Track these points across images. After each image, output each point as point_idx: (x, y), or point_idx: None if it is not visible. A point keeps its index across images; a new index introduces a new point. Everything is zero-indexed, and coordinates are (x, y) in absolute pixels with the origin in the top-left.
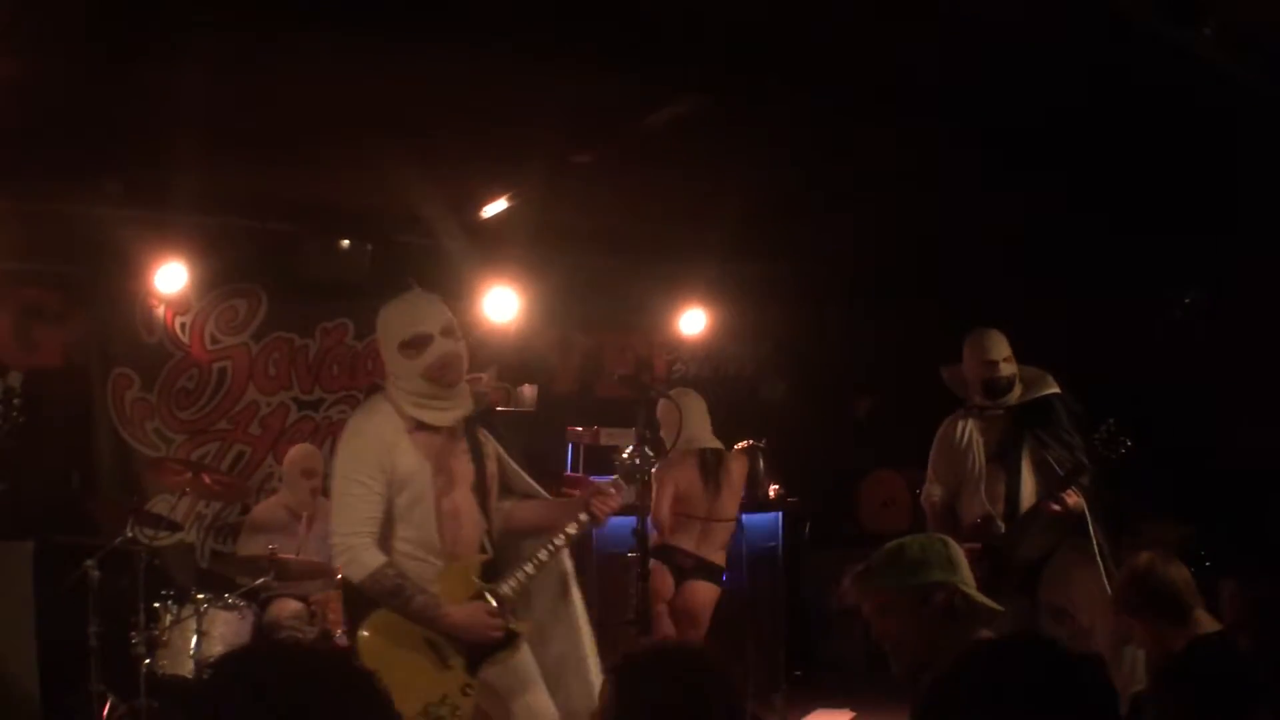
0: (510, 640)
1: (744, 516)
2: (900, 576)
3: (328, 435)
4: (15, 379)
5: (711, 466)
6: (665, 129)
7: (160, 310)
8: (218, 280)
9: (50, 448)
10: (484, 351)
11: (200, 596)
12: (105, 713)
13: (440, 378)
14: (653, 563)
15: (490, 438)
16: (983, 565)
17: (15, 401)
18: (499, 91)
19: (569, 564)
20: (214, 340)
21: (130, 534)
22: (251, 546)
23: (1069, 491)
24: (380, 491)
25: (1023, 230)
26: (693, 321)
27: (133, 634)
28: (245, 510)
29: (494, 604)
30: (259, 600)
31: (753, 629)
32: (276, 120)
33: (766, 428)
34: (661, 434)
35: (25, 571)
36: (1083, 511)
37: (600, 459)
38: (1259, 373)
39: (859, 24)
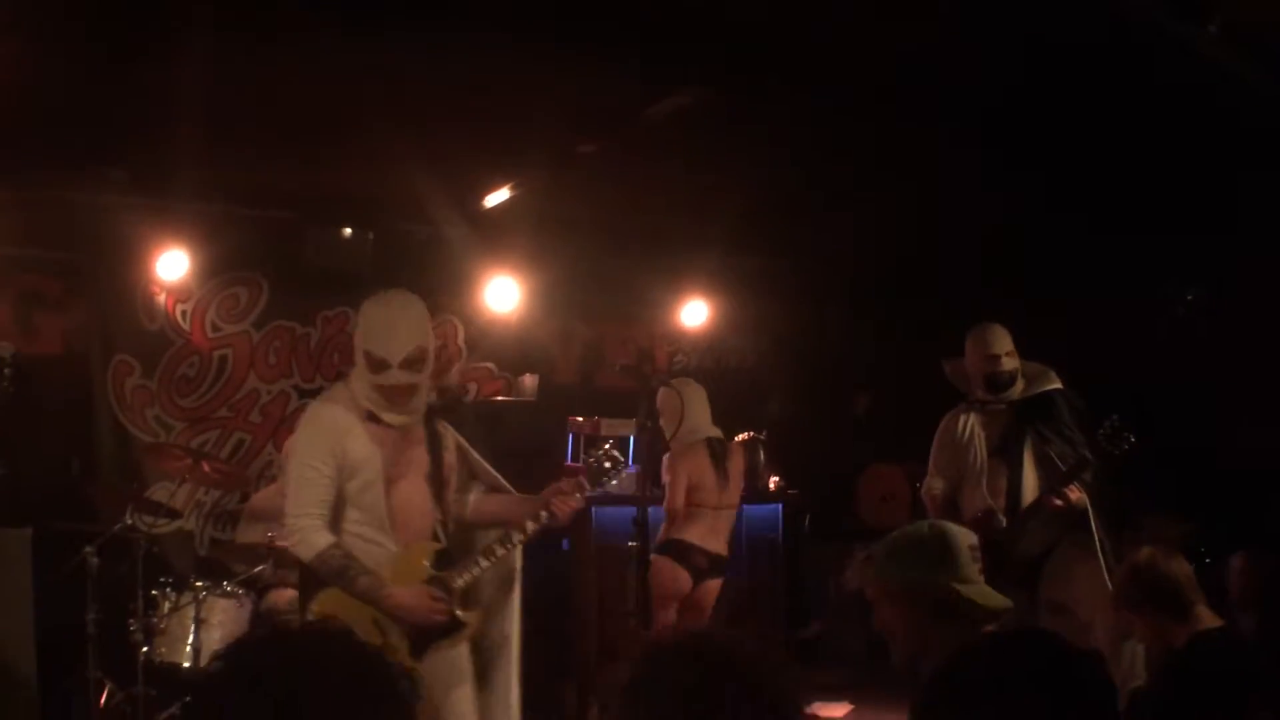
0: (455, 627)
1: (745, 508)
2: (893, 570)
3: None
4: (6, 349)
5: (719, 456)
6: (668, 121)
7: (161, 297)
8: (219, 268)
9: (50, 434)
10: (485, 341)
11: (199, 584)
12: (103, 700)
13: (390, 402)
14: (667, 561)
15: (450, 430)
16: (983, 560)
17: (6, 371)
18: (502, 81)
19: (518, 560)
20: (215, 328)
21: (129, 521)
22: (250, 534)
23: (1071, 487)
24: (331, 476)
25: (1023, 227)
26: (694, 313)
27: (131, 621)
28: (245, 498)
29: (440, 590)
30: (258, 588)
31: (752, 620)
32: (279, 108)
33: (767, 420)
34: (662, 423)
35: (24, 558)
36: (1085, 507)
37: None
38: (1260, 370)
39: (859, 20)
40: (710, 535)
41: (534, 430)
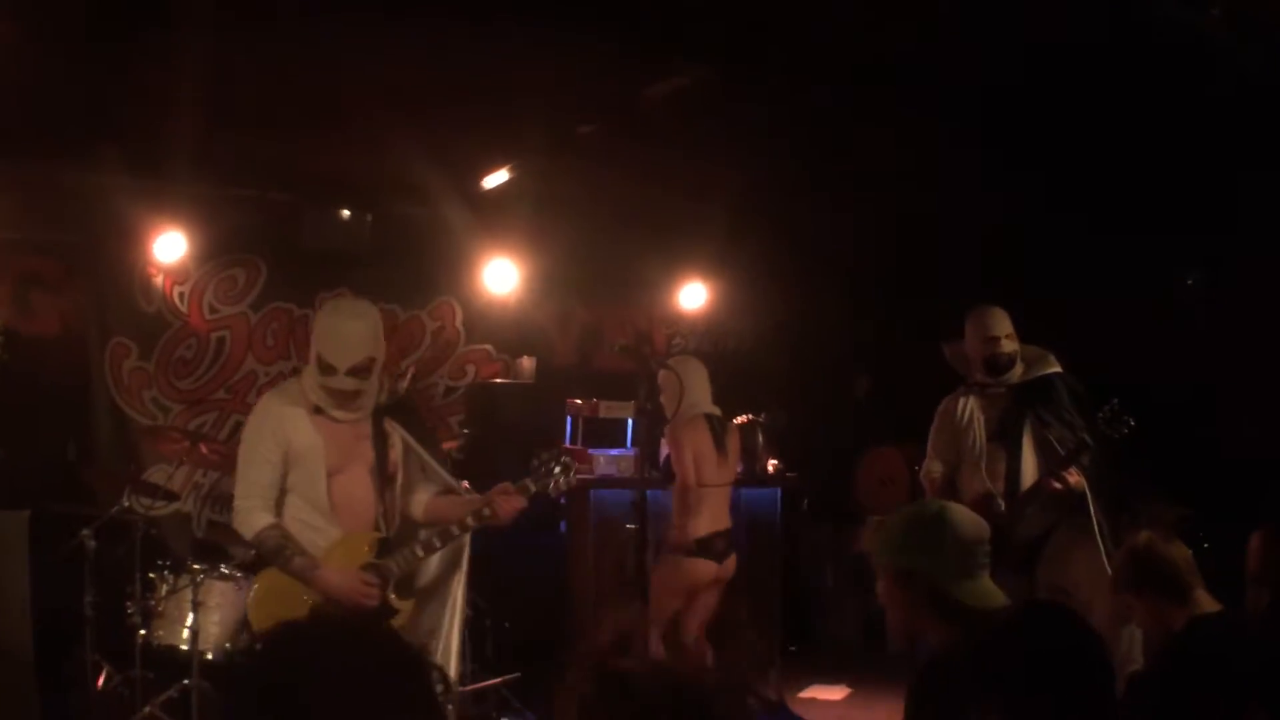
0: (386, 613)
1: (743, 491)
2: (891, 551)
3: (423, 416)
4: None
5: (719, 433)
6: (667, 103)
7: (159, 279)
8: (217, 250)
9: (47, 416)
10: (483, 323)
11: (196, 567)
12: (100, 682)
13: (337, 402)
14: (697, 562)
15: (398, 429)
16: None
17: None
18: (500, 62)
19: (467, 549)
20: (212, 310)
21: (127, 503)
22: None
23: (1070, 470)
24: (275, 462)
25: (1023, 210)
26: (693, 296)
27: (128, 604)
28: None
29: (375, 576)
30: (255, 571)
31: (749, 603)
32: (277, 90)
33: (765, 403)
34: (663, 402)
35: (21, 540)
36: (1083, 491)
37: (599, 431)
38: (1259, 357)
39: (859, 4)
40: (717, 514)
41: (532, 412)
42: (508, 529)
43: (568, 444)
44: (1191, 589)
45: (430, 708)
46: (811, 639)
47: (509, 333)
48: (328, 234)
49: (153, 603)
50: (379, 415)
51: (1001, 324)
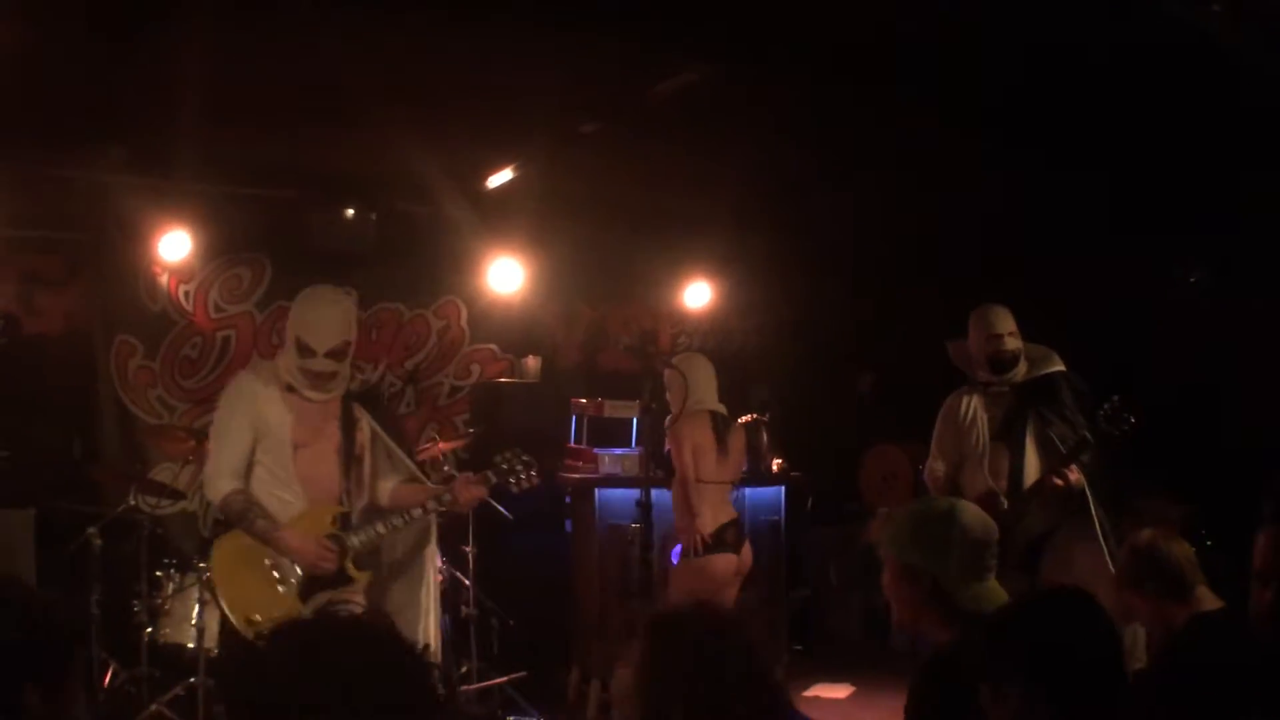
0: (343, 580)
1: (747, 490)
2: (897, 546)
3: (393, 409)
4: None
5: (721, 429)
6: (671, 100)
7: (164, 278)
8: (222, 248)
9: (52, 415)
10: (488, 323)
11: (202, 565)
12: (107, 680)
13: (312, 383)
14: (717, 558)
15: (366, 415)
16: None
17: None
18: (505, 61)
19: (434, 529)
20: (218, 308)
21: (133, 502)
22: None
23: (1070, 468)
24: (246, 433)
25: (1025, 207)
26: (697, 294)
27: (135, 602)
28: None
29: (334, 544)
30: None
31: (753, 601)
32: (282, 88)
33: (770, 401)
34: (669, 400)
35: (27, 539)
36: (1083, 488)
37: (604, 430)
38: (1262, 353)
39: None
40: (721, 508)
41: (537, 411)
42: (514, 527)
43: (573, 443)
44: (1194, 587)
45: (430, 706)
46: (816, 637)
47: (514, 332)
48: (333, 233)
49: (159, 601)
50: (348, 400)
51: (1005, 321)
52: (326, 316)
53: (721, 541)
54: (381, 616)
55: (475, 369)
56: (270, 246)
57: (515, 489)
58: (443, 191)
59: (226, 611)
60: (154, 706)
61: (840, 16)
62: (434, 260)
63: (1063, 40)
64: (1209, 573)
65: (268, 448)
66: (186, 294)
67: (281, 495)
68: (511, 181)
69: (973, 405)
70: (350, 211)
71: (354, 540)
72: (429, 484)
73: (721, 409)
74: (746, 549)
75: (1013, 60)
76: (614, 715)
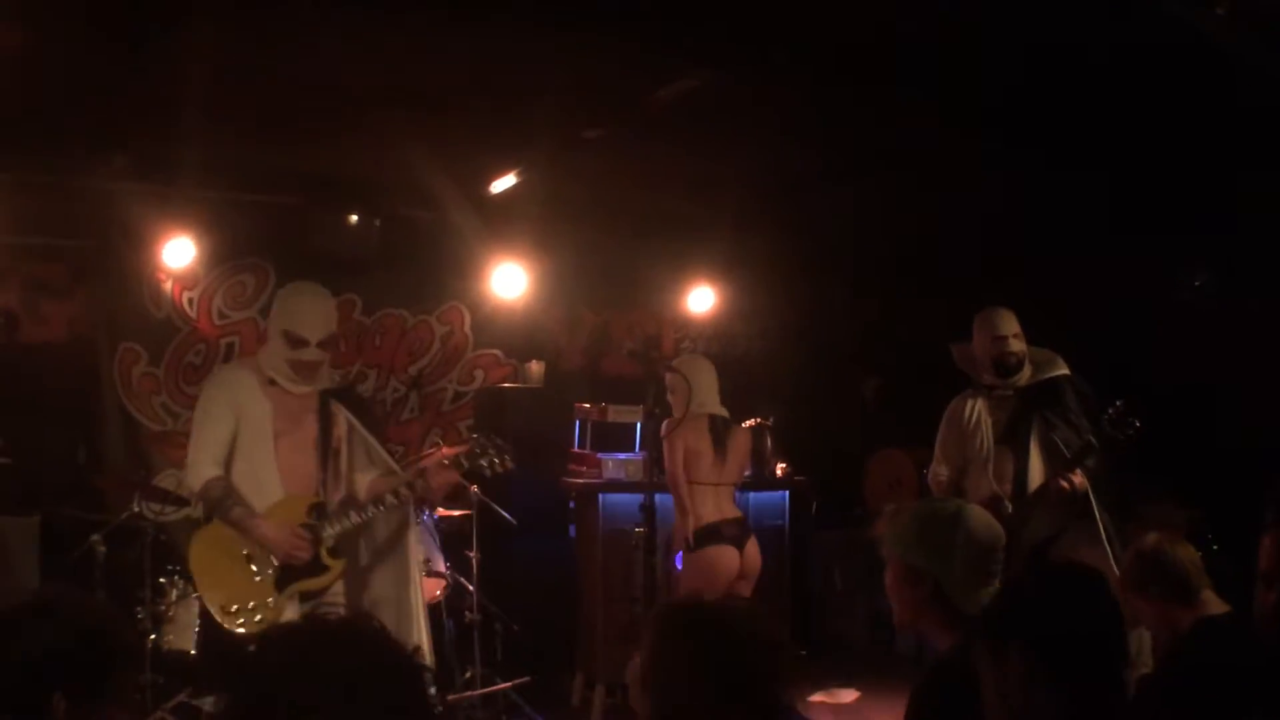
0: (318, 569)
1: (751, 495)
2: (900, 546)
3: (370, 405)
4: None
5: (720, 433)
6: (673, 106)
7: (168, 285)
8: (226, 255)
9: (56, 422)
10: (491, 328)
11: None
12: None
13: (299, 373)
14: (712, 550)
15: (343, 410)
16: None
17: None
18: (507, 66)
19: (411, 518)
20: (222, 315)
21: (137, 509)
22: None
23: (1075, 472)
24: (227, 423)
25: (1027, 210)
26: (701, 299)
27: (138, 609)
28: None
29: (307, 534)
30: None
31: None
32: (285, 94)
33: (774, 406)
34: (672, 405)
35: (31, 546)
36: (1087, 492)
37: (608, 435)
38: (1268, 358)
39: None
40: (721, 507)
41: (541, 416)
42: (518, 532)
43: (576, 448)
44: (1199, 590)
45: (422, 710)
46: (821, 642)
47: (517, 337)
48: (336, 239)
49: (163, 608)
50: (326, 396)
51: (1009, 324)
52: (317, 308)
53: (717, 534)
54: (371, 619)
55: (479, 374)
56: (274, 253)
57: (489, 473)
58: (446, 197)
59: (205, 602)
60: (158, 713)
61: (841, 18)
62: (437, 266)
63: (1063, 40)
64: (1214, 576)
65: (248, 437)
66: (190, 301)
67: (260, 484)
68: (515, 187)
69: (977, 409)
70: (354, 217)
71: (328, 530)
72: (400, 473)
73: (723, 412)
74: (753, 550)
75: (1013, 61)
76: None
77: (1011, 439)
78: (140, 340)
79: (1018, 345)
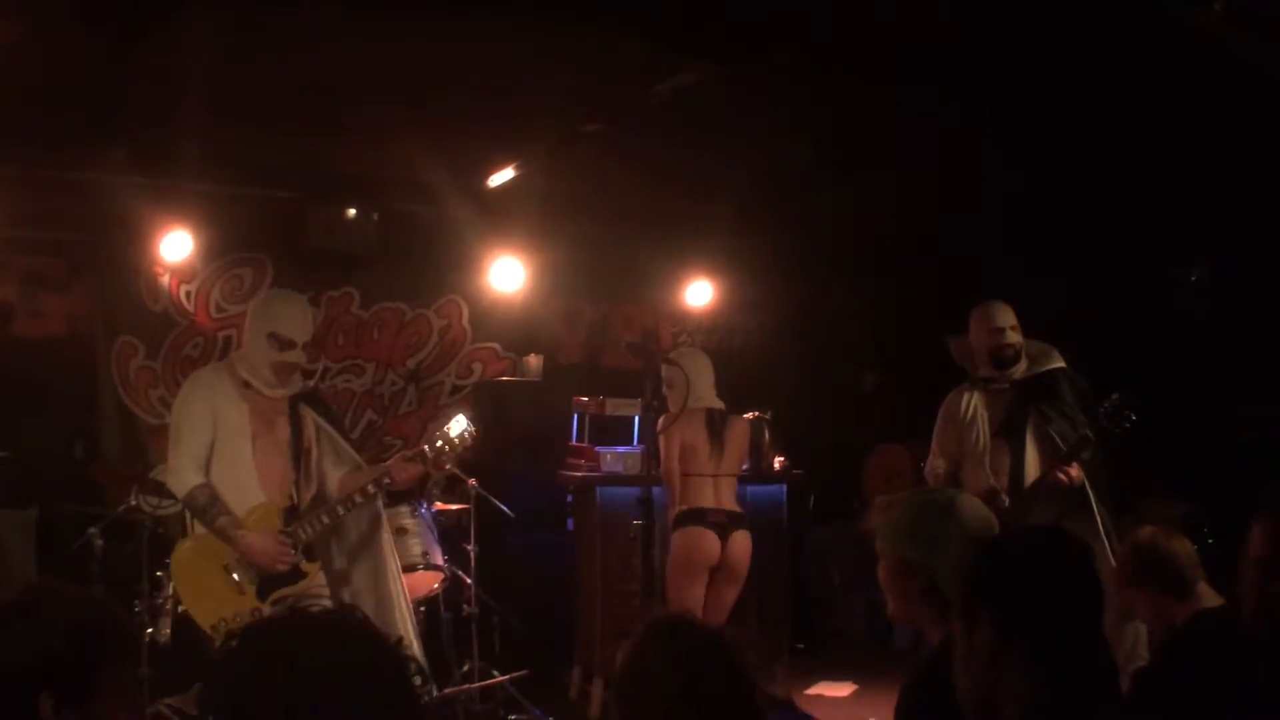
0: (297, 576)
1: (749, 488)
2: (892, 539)
3: (332, 405)
4: None
5: (717, 426)
6: (673, 99)
7: (165, 278)
8: (223, 249)
9: (54, 416)
10: (490, 322)
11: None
12: None
13: (279, 375)
14: (689, 531)
15: (311, 412)
16: None
17: None
18: (506, 60)
19: (381, 513)
20: (219, 309)
21: (134, 502)
22: None
23: (1071, 465)
24: (206, 427)
25: (1025, 205)
26: (699, 293)
27: (136, 602)
28: None
29: (288, 540)
30: None
31: (756, 600)
32: (282, 88)
33: (772, 399)
34: (670, 398)
35: (28, 539)
36: (1084, 485)
37: (606, 429)
38: (1264, 351)
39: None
40: (719, 499)
41: (539, 410)
42: (516, 526)
43: (574, 441)
44: (1194, 584)
45: (407, 702)
46: (818, 636)
47: (516, 330)
48: (334, 232)
49: (160, 601)
50: (294, 400)
51: (1006, 316)
52: (301, 312)
53: (700, 518)
54: (355, 610)
55: (477, 368)
56: (272, 247)
57: (451, 456)
58: (444, 191)
59: (192, 618)
60: (156, 706)
61: (839, 12)
62: (435, 259)
63: (1065, 36)
64: (1210, 570)
65: (226, 439)
66: (188, 294)
67: (238, 485)
68: (513, 180)
69: (973, 402)
70: (352, 211)
71: (303, 534)
72: (367, 469)
73: (720, 405)
74: (741, 545)
75: (1014, 57)
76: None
77: (1008, 432)
78: (138, 334)
79: (1014, 337)
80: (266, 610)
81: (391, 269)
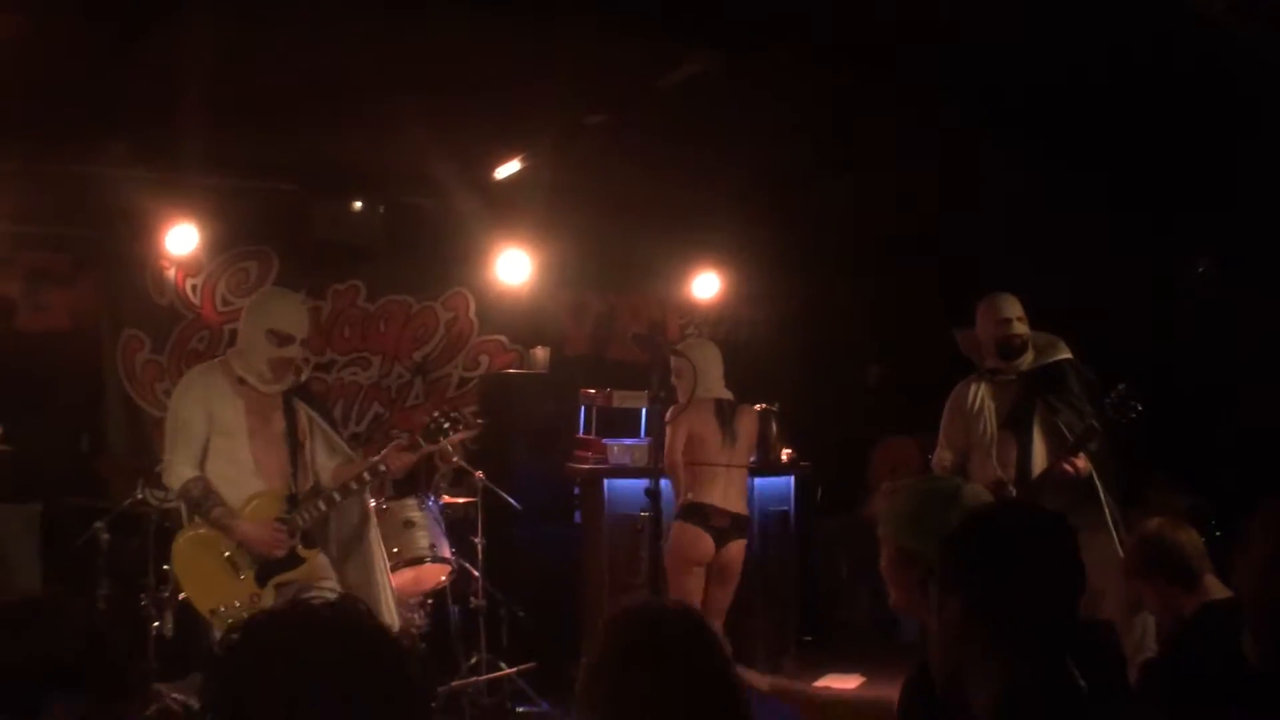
0: (295, 562)
1: (757, 480)
2: (891, 526)
3: (339, 398)
4: None
5: (727, 416)
6: (679, 90)
7: (171, 272)
8: (229, 242)
9: (59, 409)
10: (496, 314)
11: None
12: None
13: (277, 371)
14: (686, 526)
15: (305, 406)
16: None
17: None
18: (512, 52)
19: (371, 507)
20: (225, 302)
21: (140, 496)
22: None
23: (1078, 456)
24: (201, 423)
25: (1030, 197)
26: (706, 285)
27: (142, 596)
28: None
29: (285, 527)
30: None
31: (763, 592)
32: (288, 81)
33: (779, 392)
34: (678, 389)
35: (33, 533)
36: (1091, 476)
37: (613, 421)
38: (1272, 342)
39: None
40: (727, 495)
41: (546, 402)
42: (523, 518)
43: (582, 434)
44: (1201, 575)
45: (407, 694)
46: (826, 628)
47: (522, 323)
48: (340, 225)
49: (166, 595)
50: (288, 395)
51: (1013, 307)
52: (298, 309)
53: (699, 514)
54: (358, 602)
55: (484, 360)
56: (277, 240)
57: (447, 443)
58: (450, 183)
59: (194, 607)
60: (164, 701)
61: (845, 6)
62: (442, 252)
63: (1069, 32)
64: (1217, 562)
65: (224, 435)
66: (194, 288)
67: (236, 479)
68: (519, 173)
69: (980, 394)
70: (357, 204)
71: (300, 521)
72: (358, 460)
73: (728, 396)
74: (734, 552)
75: (1018, 50)
76: None
77: (1015, 424)
78: (143, 328)
79: (1021, 328)
80: (265, 595)
81: (398, 262)
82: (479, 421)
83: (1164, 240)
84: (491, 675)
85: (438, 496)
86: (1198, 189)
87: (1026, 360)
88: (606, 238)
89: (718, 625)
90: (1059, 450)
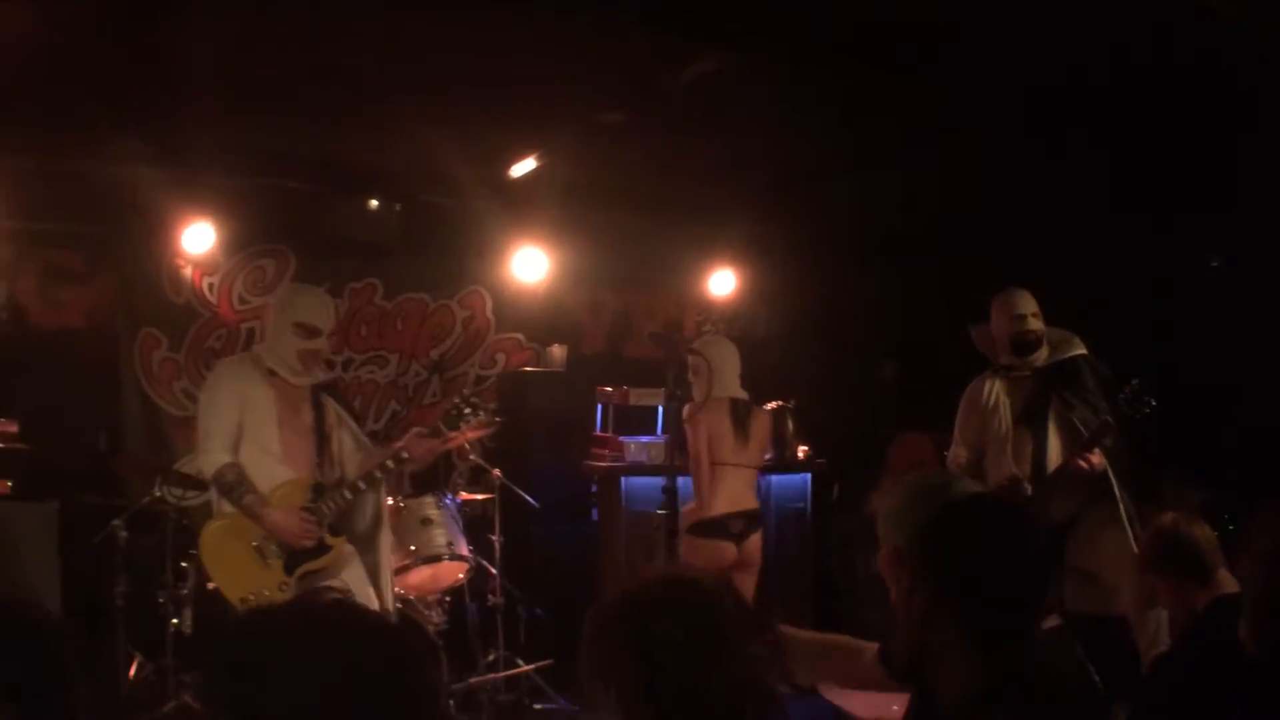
0: (322, 550)
1: (773, 478)
2: (887, 523)
3: (356, 395)
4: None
5: (742, 415)
6: (694, 88)
7: (188, 270)
8: (246, 240)
9: (76, 408)
10: (513, 312)
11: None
12: (132, 672)
13: (305, 363)
14: (700, 541)
15: (332, 401)
16: None
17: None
18: (528, 49)
19: (386, 509)
20: (242, 300)
21: (158, 494)
22: None
23: (1093, 451)
24: (234, 411)
25: (1048, 193)
26: (722, 282)
27: (160, 593)
28: None
29: (312, 516)
30: None
31: (779, 590)
32: (305, 79)
33: (795, 388)
34: (694, 387)
35: (51, 532)
36: (1105, 471)
37: (630, 419)
38: (1269, 340)
39: None
40: (737, 496)
41: (563, 400)
42: (540, 516)
43: (599, 431)
44: (1215, 569)
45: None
46: (842, 626)
47: (539, 321)
48: (356, 224)
49: (184, 592)
50: (316, 389)
51: (1027, 303)
52: (324, 303)
53: (722, 529)
54: (356, 599)
55: (501, 358)
56: (294, 238)
57: (468, 430)
58: (466, 181)
59: (224, 595)
60: (181, 698)
61: (840, 12)
62: (458, 250)
63: (1069, 32)
64: (1230, 556)
65: (255, 424)
66: (210, 286)
67: (266, 467)
68: (535, 171)
69: (995, 390)
70: (374, 202)
71: (326, 510)
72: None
73: (743, 395)
74: (755, 542)
75: (1032, 46)
76: None
77: (1029, 420)
78: (160, 326)
79: (1036, 324)
80: (293, 584)
81: (414, 260)
82: (496, 419)
83: (1165, 239)
84: (509, 672)
85: (455, 494)
86: (1198, 188)
87: (1041, 356)
88: (623, 235)
89: None
90: (1074, 446)
